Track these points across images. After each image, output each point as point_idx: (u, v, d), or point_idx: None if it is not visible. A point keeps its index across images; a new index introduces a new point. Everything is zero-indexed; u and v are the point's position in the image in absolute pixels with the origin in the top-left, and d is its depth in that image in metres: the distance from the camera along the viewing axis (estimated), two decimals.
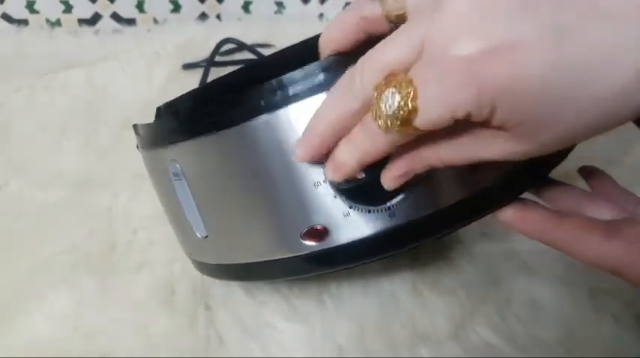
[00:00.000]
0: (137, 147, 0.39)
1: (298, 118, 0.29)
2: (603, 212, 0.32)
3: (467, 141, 0.25)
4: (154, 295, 0.43)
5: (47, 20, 0.80)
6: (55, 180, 0.53)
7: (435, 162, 0.27)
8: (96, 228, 0.48)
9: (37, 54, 0.72)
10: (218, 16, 0.83)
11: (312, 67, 0.29)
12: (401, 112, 0.23)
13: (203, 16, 0.83)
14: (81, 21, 0.81)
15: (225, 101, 0.31)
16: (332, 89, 0.27)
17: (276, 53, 0.55)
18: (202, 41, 0.75)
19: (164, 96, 0.66)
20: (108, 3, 0.80)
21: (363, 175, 0.29)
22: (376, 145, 0.26)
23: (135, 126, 0.39)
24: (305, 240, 0.32)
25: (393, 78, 0.23)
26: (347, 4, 0.84)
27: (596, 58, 0.21)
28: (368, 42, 0.30)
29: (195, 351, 0.40)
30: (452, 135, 0.25)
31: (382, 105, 0.23)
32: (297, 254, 0.33)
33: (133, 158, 0.56)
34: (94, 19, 0.81)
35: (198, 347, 0.40)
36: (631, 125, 0.59)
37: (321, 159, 0.29)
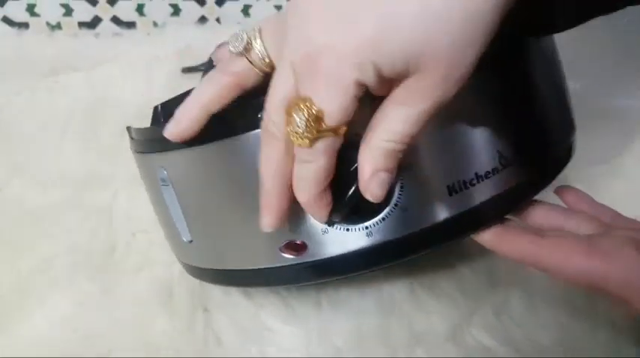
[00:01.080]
0: (130, 148, 0.40)
1: None
2: (583, 227, 0.33)
3: (394, 108, 0.26)
4: (153, 296, 0.43)
5: (48, 23, 0.80)
6: (55, 181, 0.54)
7: (389, 145, 0.27)
8: (96, 229, 0.48)
9: (37, 57, 0.72)
10: (218, 20, 0.83)
11: None
12: (310, 121, 0.26)
13: (203, 19, 0.83)
14: (81, 24, 0.81)
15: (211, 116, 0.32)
16: (261, 149, 0.29)
17: None
18: (202, 44, 0.75)
19: (163, 98, 0.66)
20: (108, 6, 0.80)
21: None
22: (316, 163, 0.27)
23: (128, 129, 0.39)
24: (284, 252, 0.33)
25: (291, 103, 0.26)
26: None
27: None
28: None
29: (193, 353, 0.40)
30: (380, 113, 0.27)
31: (295, 128, 0.26)
32: (277, 265, 0.34)
33: (132, 160, 0.56)
34: (94, 23, 0.81)
35: (197, 348, 0.40)
36: (629, 128, 0.59)
37: (288, 214, 0.30)
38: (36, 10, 0.79)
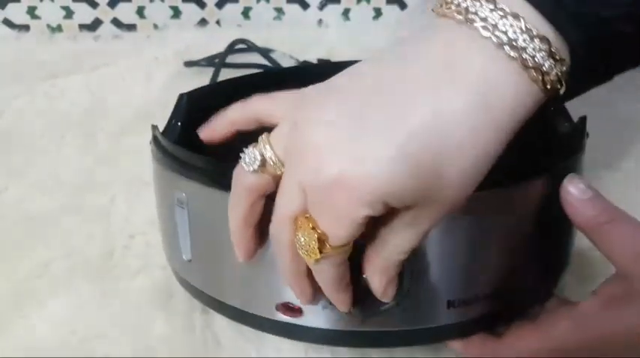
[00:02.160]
0: (150, 143, 0.40)
1: None
2: None
3: (402, 228, 0.28)
4: (152, 299, 0.43)
5: (48, 26, 0.81)
6: (54, 186, 0.54)
7: (399, 257, 0.29)
8: (94, 233, 0.48)
9: (37, 59, 0.73)
10: (218, 22, 0.84)
11: None
12: (312, 243, 0.27)
13: (203, 21, 0.83)
14: (81, 26, 0.81)
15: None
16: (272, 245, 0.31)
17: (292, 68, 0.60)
18: (202, 47, 0.76)
19: (163, 101, 0.66)
20: (108, 9, 0.81)
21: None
22: (327, 272, 0.29)
23: (154, 129, 0.39)
24: (279, 310, 0.34)
25: (297, 223, 0.28)
26: (346, 10, 0.85)
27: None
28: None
29: (192, 354, 0.40)
30: (388, 230, 0.28)
31: (301, 248, 0.28)
32: (270, 317, 0.34)
33: (131, 163, 0.57)
34: (95, 25, 0.82)
35: (196, 350, 0.40)
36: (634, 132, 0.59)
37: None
38: (37, 12, 0.79)
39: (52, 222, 0.50)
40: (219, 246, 0.35)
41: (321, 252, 0.27)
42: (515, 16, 0.25)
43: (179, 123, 0.40)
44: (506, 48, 0.25)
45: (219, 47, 0.73)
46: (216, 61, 0.70)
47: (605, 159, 0.56)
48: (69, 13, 0.80)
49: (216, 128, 0.35)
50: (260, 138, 0.30)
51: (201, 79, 0.68)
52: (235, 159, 0.31)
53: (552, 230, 0.35)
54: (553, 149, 0.35)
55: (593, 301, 0.31)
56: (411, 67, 0.26)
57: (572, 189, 0.32)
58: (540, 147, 0.33)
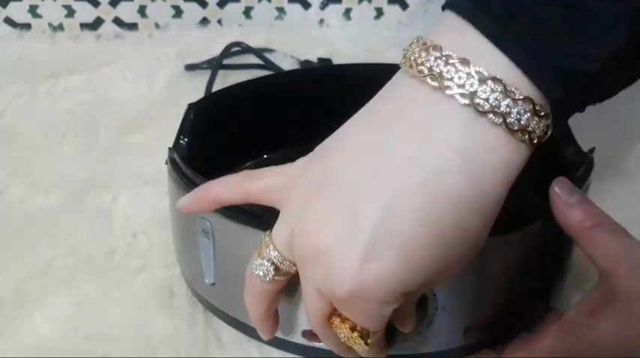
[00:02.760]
0: (167, 164, 0.40)
1: None
2: None
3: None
4: (154, 298, 0.43)
5: (50, 24, 0.80)
6: (56, 184, 0.54)
7: (410, 303, 0.30)
8: (96, 232, 0.49)
9: (39, 58, 0.73)
10: (219, 21, 0.84)
11: None
12: (355, 339, 0.28)
13: (204, 21, 0.83)
14: (83, 25, 0.81)
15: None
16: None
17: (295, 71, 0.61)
18: (204, 46, 0.76)
19: (165, 100, 0.67)
20: (110, 8, 0.81)
21: None
22: (377, 345, 0.30)
23: (172, 152, 0.39)
24: (305, 336, 0.35)
25: (333, 323, 0.29)
26: (347, 10, 0.85)
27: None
28: None
29: (193, 353, 0.40)
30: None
31: (347, 341, 0.29)
32: (294, 341, 0.36)
33: (133, 162, 0.57)
34: (96, 24, 0.81)
35: (197, 349, 0.40)
36: (630, 132, 0.59)
37: None
38: (38, 11, 0.79)
39: (53, 221, 0.50)
40: (241, 260, 0.35)
41: (366, 343, 0.28)
42: (495, 80, 0.24)
43: (186, 139, 0.41)
44: (490, 116, 0.24)
45: (221, 47, 0.73)
46: (214, 64, 0.71)
47: (604, 160, 0.56)
48: (70, 12, 0.80)
49: (198, 203, 0.33)
50: (263, 242, 0.30)
51: (202, 77, 0.68)
52: None
53: (554, 255, 0.37)
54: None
55: (578, 310, 0.32)
56: (388, 155, 0.26)
57: (561, 193, 0.32)
58: (547, 178, 0.34)
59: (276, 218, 0.31)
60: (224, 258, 0.36)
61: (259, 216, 0.33)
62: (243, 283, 0.35)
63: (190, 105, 0.43)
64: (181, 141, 0.41)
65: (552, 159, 0.40)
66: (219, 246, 0.36)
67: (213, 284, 0.38)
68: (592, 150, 0.39)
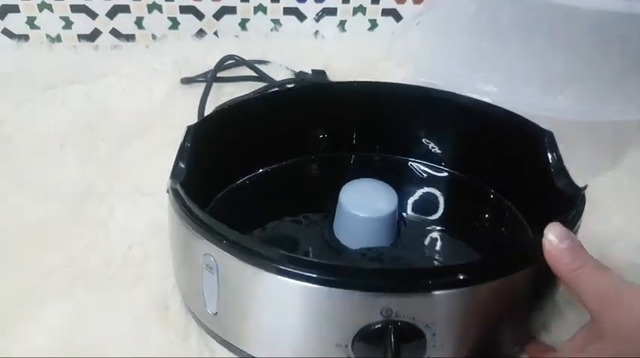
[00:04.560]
0: (168, 192, 0.40)
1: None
2: None
3: None
4: (149, 309, 0.43)
5: (47, 36, 0.81)
6: (54, 195, 0.54)
7: None
8: (93, 242, 0.49)
9: (37, 69, 0.73)
10: (215, 33, 0.85)
11: None
12: None
13: (201, 32, 0.84)
14: (80, 37, 0.82)
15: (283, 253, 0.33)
16: None
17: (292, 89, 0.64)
18: (200, 57, 0.77)
19: (162, 111, 0.68)
20: (107, 19, 0.81)
21: None
22: None
23: (174, 183, 0.39)
24: None
25: None
26: (342, 22, 0.86)
27: None
28: None
29: None
30: None
31: None
32: None
33: (130, 173, 0.57)
34: (94, 35, 0.82)
35: None
36: (620, 141, 0.60)
37: None
38: (36, 22, 0.80)
39: (51, 232, 0.50)
40: (247, 304, 0.36)
41: None
42: None
43: (184, 165, 0.42)
44: None
45: (217, 57, 0.74)
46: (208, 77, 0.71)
47: (595, 169, 0.57)
48: (68, 24, 0.81)
49: None
50: None
51: (199, 88, 0.69)
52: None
53: (543, 289, 0.38)
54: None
55: (568, 347, 0.33)
56: None
57: (552, 240, 0.33)
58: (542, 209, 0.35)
59: (280, 251, 0.32)
60: (228, 292, 0.37)
61: (264, 254, 0.34)
62: (245, 314, 0.36)
63: (188, 129, 0.44)
64: (180, 166, 0.41)
65: (547, 189, 0.42)
66: (223, 281, 0.36)
67: (216, 313, 0.38)
68: (585, 187, 0.40)
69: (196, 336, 0.42)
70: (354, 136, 0.56)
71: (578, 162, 0.43)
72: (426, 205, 0.52)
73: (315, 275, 0.32)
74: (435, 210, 0.51)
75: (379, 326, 0.33)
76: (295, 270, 0.33)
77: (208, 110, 0.66)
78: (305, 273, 0.33)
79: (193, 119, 0.65)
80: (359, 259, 0.44)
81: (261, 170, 0.53)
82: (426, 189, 0.53)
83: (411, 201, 0.52)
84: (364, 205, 0.45)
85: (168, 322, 0.43)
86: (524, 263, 0.34)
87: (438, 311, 0.33)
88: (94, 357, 0.40)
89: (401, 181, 0.53)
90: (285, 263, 0.33)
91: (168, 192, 0.40)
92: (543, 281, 0.36)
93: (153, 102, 0.69)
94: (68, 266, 0.47)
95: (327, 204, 0.48)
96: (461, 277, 0.33)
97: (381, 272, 0.34)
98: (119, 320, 0.43)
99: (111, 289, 0.45)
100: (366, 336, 0.33)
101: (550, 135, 0.44)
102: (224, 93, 0.70)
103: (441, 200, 0.52)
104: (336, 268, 0.33)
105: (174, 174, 0.40)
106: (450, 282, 0.33)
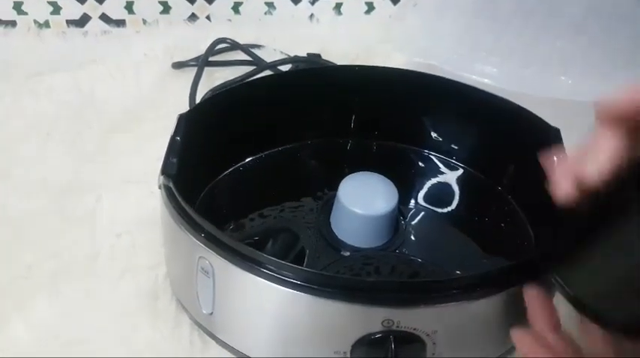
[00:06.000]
0: (160, 189, 0.39)
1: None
2: None
3: None
4: (138, 301, 0.42)
5: (35, 21, 0.79)
6: (39, 186, 0.53)
7: None
8: (79, 235, 0.48)
9: (23, 56, 0.72)
10: (208, 17, 0.83)
11: None
12: None
13: (193, 16, 0.82)
14: (69, 22, 0.80)
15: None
16: None
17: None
18: (192, 42, 0.75)
19: (152, 99, 0.66)
20: (97, 4, 0.79)
21: None
22: None
23: (168, 180, 0.38)
24: None
25: None
26: (337, 4, 0.84)
27: None
28: None
29: (179, 355, 0.39)
30: None
31: None
32: None
33: (118, 162, 0.56)
34: (83, 21, 0.80)
35: (182, 352, 0.40)
36: None
37: None
38: (23, 7, 0.78)
39: (36, 224, 0.49)
40: (244, 309, 0.35)
41: None
42: None
43: (175, 159, 0.40)
44: None
45: (209, 42, 0.72)
46: (193, 64, 0.70)
47: None
48: (56, 9, 0.79)
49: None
50: None
51: (190, 74, 0.68)
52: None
53: None
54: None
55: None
56: None
57: (533, 295, 0.33)
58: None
59: (280, 261, 0.32)
60: (223, 296, 0.36)
61: (259, 261, 0.33)
62: (240, 314, 0.35)
63: (179, 117, 0.42)
64: (171, 161, 0.40)
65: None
66: (219, 285, 0.35)
67: (211, 313, 0.37)
68: None
69: (188, 327, 0.41)
70: (352, 122, 0.55)
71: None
72: (425, 196, 0.50)
73: (316, 287, 0.32)
74: (435, 202, 0.50)
75: (380, 335, 0.33)
76: (296, 281, 0.32)
77: (200, 95, 0.64)
78: (306, 285, 0.32)
79: (184, 105, 0.63)
80: (358, 262, 0.43)
81: (255, 156, 0.52)
82: (425, 180, 0.52)
83: (409, 191, 0.50)
84: (363, 201, 0.44)
85: (157, 313, 0.42)
86: (525, 276, 0.34)
87: (440, 322, 0.33)
88: (80, 351, 0.39)
89: (399, 170, 0.51)
90: (286, 273, 0.32)
91: (160, 188, 0.39)
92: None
93: (143, 89, 0.68)
94: (53, 259, 0.45)
95: (323, 192, 0.47)
96: (463, 290, 0.32)
97: (383, 285, 0.34)
98: (106, 313, 0.42)
99: (98, 281, 0.44)
100: (366, 344, 0.33)
101: (556, 131, 0.43)
102: (217, 78, 0.69)
103: (441, 191, 0.51)
104: (338, 280, 0.33)
105: (166, 170, 0.39)
106: (452, 295, 0.32)
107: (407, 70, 0.52)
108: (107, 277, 0.44)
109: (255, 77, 0.66)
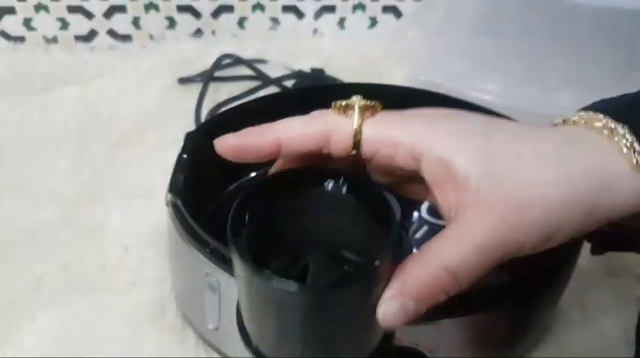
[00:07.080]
0: (168, 206, 0.40)
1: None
2: None
3: None
4: (145, 313, 0.43)
5: (44, 37, 0.81)
6: (48, 198, 0.54)
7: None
8: (88, 247, 0.49)
9: (33, 71, 0.73)
10: (213, 32, 0.84)
11: None
12: None
13: (198, 32, 0.83)
14: (77, 37, 0.81)
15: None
16: None
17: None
18: (198, 57, 0.76)
19: (158, 113, 0.67)
20: (104, 19, 0.81)
21: None
22: None
23: (175, 198, 0.39)
24: None
25: None
26: (341, 19, 0.85)
27: None
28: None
29: None
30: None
31: None
32: None
33: (125, 176, 0.57)
34: (90, 36, 0.82)
35: None
36: None
37: None
38: (32, 24, 0.79)
39: (46, 236, 0.50)
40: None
41: None
42: None
43: (182, 177, 0.41)
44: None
45: (215, 57, 0.73)
46: (198, 80, 0.71)
47: None
48: (64, 25, 0.80)
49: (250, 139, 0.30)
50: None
51: (196, 89, 0.69)
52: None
53: (544, 318, 0.40)
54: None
55: None
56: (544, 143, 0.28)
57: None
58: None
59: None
60: (229, 310, 0.36)
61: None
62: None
63: (187, 136, 0.43)
64: (178, 178, 0.41)
65: None
66: (224, 300, 0.36)
67: (217, 329, 0.38)
68: None
69: (193, 340, 0.41)
70: None
71: None
72: (429, 209, 0.51)
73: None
74: (439, 215, 0.50)
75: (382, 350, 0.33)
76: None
77: (205, 110, 0.65)
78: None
79: (190, 119, 0.64)
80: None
81: (259, 172, 0.53)
82: None
83: (411, 204, 0.51)
84: None
85: (164, 325, 0.42)
86: (527, 293, 0.35)
87: (442, 337, 0.34)
88: None
89: None
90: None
91: (167, 205, 0.40)
92: (544, 312, 0.38)
93: (149, 104, 0.69)
94: (63, 271, 0.46)
95: None
96: (465, 305, 0.33)
97: None
98: (114, 325, 0.42)
99: (106, 293, 0.45)
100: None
101: None
102: (222, 93, 0.70)
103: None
104: None
105: (173, 188, 0.40)
106: (454, 311, 0.33)
107: (410, 88, 0.53)
108: (115, 290, 0.45)
109: (261, 95, 0.67)
